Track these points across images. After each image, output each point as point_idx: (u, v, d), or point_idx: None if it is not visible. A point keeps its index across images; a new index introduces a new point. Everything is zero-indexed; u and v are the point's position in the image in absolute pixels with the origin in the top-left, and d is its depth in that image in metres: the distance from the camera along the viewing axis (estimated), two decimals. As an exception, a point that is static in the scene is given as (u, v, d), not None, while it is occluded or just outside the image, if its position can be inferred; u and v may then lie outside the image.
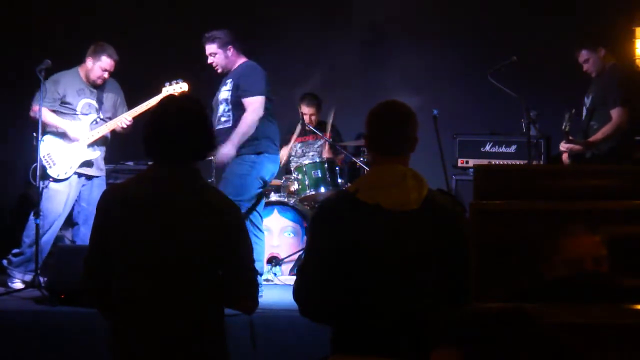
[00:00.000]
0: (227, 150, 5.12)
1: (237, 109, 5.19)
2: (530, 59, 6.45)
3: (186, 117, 2.70)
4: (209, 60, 5.38)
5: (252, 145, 5.17)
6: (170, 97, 2.81)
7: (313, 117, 6.86)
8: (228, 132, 5.17)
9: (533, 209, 2.65)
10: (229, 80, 5.29)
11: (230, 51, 5.35)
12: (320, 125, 6.85)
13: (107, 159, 5.99)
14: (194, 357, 2.60)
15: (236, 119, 5.18)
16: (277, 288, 5.44)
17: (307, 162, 6.25)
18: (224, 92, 5.27)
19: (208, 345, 2.63)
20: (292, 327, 4.37)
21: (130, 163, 6.49)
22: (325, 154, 6.62)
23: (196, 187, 2.69)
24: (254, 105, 5.16)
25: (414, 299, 2.62)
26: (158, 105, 2.78)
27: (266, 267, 6.11)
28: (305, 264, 2.76)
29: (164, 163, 2.69)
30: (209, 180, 6.32)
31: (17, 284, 5.51)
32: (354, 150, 6.98)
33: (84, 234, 5.69)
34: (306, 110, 6.83)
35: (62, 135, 5.62)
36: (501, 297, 2.48)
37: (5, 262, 5.65)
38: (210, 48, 5.35)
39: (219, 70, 5.37)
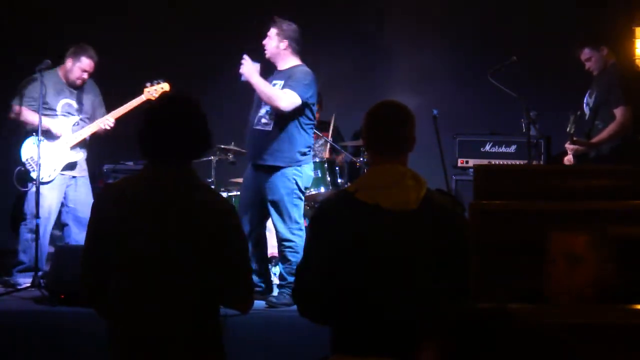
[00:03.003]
0: (252, 67, 5.07)
1: (282, 115, 5.08)
2: (530, 59, 6.45)
3: (182, 116, 2.69)
4: (264, 40, 5.26)
5: (284, 159, 5.13)
6: (166, 96, 2.79)
7: (316, 114, 6.84)
8: (267, 135, 5.09)
9: (533, 209, 2.65)
10: (278, 82, 5.15)
11: (284, 44, 5.23)
12: (321, 125, 6.84)
13: (107, 159, 5.98)
14: (191, 356, 2.60)
15: (277, 124, 5.09)
16: (277, 288, 5.42)
17: (307, 162, 6.23)
18: None
19: (204, 345, 2.63)
20: (292, 327, 4.37)
21: (130, 163, 6.50)
22: (326, 154, 6.61)
23: (192, 187, 2.68)
24: (290, 98, 5.03)
25: (413, 299, 2.61)
26: (153, 104, 2.76)
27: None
28: (304, 265, 2.75)
29: (159, 163, 2.68)
30: (208, 181, 6.33)
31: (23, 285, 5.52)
32: (354, 150, 6.98)
33: (75, 234, 5.72)
34: None
35: (45, 136, 5.58)
36: (501, 298, 2.47)
37: (7, 278, 5.69)
38: (270, 30, 5.24)
39: (267, 55, 5.24)
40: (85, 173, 5.86)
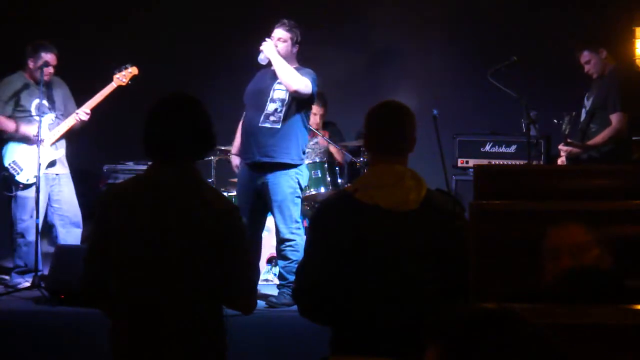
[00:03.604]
0: (274, 48, 5.15)
1: (291, 112, 5.14)
2: (530, 59, 6.44)
3: (184, 116, 2.69)
4: (275, 42, 5.24)
5: (292, 156, 5.17)
6: (170, 96, 2.78)
7: (322, 117, 6.84)
8: (275, 133, 5.11)
9: (533, 209, 2.65)
10: None
11: (296, 49, 5.29)
12: (325, 125, 6.84)
13: (107, 159, 5.98)
14: (192, 355, 2.60)
15: (285, 122, 5.12)
16: (276, 288, 5.43)
17: (307, 162, 6.24)
18: (280, 92, 5.17)
19: (205, 344, 2.63)
20: (292, 327, 4.37)
21: (130, 163, 6.50)
22: (336, 156, 6.59)
23: (195, 187, 2.68)
24: (305, 82, 5.09)
25: (413, 299, 2.61)
26: (157, 105, 2.76)
27: (266, 267, 6.11)
28: (305, 265, 2.75)
29: (163, 163, 2.68)
30: (208, 181, 6.33)
31: (23, 284, 5.52)
32: (354, 151, 6.96)
33: (62, 233, 5.71)
34: (317, 110, 6.81)
35: (23, 140, 5.61)
36: (501, 297, 2.48)
37: (7, 277, 5.70)
38: (284, 34, 5.25)
39: (267, 61, 5.24)
40: (67, 170, 5.85)
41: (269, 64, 5.23)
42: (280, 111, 5.13)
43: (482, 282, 2.56)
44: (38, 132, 5.45)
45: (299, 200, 5.26)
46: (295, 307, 2.78)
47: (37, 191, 5.43)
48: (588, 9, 6.85)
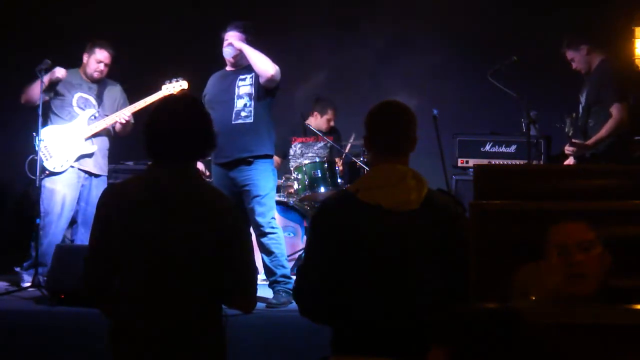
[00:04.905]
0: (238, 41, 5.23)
1: (259, 105, 5.17)
2: (530, 59, 6.45)
3: (185, 116, 2.70)
4: (226, 45, 5.30)
5: (268, 147, 5.20)
6: (169, 97, 2.81)
7: (332, 122, 6.88)
8: (249, 127, 5.14)
9: (533, 209, 2.65)
10: (247, 75, 5.24)
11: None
12: (331, 130, 6.86)
13: (108, 159, 5.97)
14: (192, 355, 2.60)
15: (257, 115, 5.15)
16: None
17: (307, 162, 6.25)
18: (245, 87, 5.21)
19: (205, 344, 2.63)
20: (292, 327, 4.37)
21: (130, 163, 6.50)
22: (338, 159, 6.61)
23: (195, 187, 2.69)
24: (277, 68, 5.13)
25: (414, 299, 2.62)
26: (157, 106, 2.78)
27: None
28: (305, 264, 2.76)
29: (163, 163, 2.69)
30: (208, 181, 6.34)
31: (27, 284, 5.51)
32: (354, 151, 6.98)
33: (82, 234, 5.69)
34: (330, 114, 6.85)
35: (61, 128, 5.62)
36: (501, 297, 2.48)
37: (18, 268, 5.69)
38: (239, 35, 5.30)
39: (235, 59, 5.28)
40: (103, 172, 5.82)
41: (234, 69, 5.30)
42: (250, 105, 5.18)
43: (482, 282, 2.56)
44: (38, 131, 5.45)
45: (275, 194, 5.30)
46: (294, 306, 2.78)
47: (39, 189, 5.43)
48: (588, 9, 6.85)
